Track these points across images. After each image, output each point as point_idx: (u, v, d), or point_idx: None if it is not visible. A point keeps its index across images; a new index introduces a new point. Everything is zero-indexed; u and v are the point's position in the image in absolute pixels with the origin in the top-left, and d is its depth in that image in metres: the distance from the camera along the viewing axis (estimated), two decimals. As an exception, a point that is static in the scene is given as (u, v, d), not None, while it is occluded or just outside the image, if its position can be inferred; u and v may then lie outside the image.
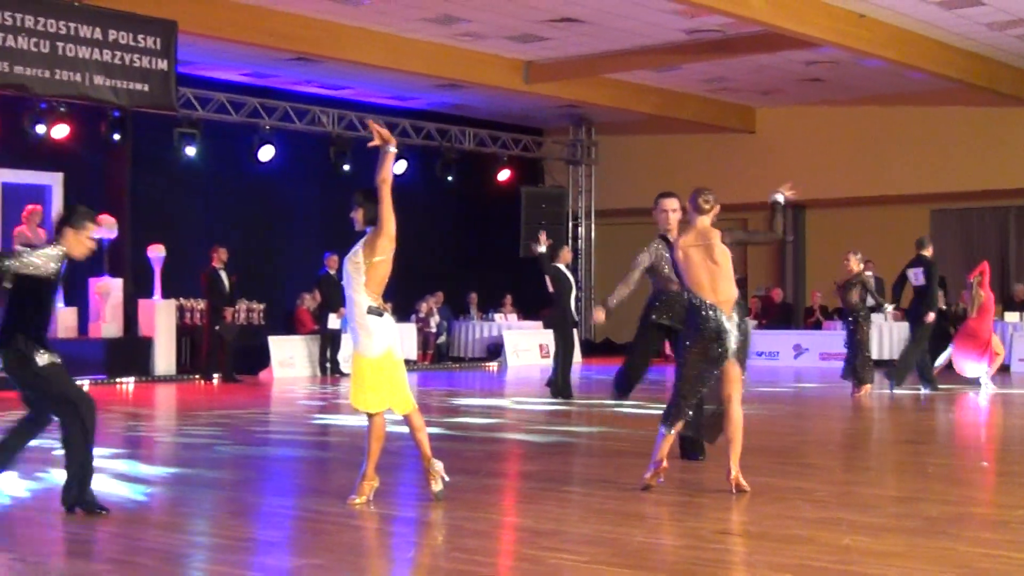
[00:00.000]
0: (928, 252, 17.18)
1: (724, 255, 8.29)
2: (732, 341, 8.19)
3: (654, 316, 9.97)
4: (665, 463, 8.23)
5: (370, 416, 7.85)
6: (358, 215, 7.91)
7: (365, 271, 7.75)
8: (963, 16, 18.96)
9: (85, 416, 7.46)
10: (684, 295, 8.74)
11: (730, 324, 8.18)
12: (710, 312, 8.17)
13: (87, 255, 7.75)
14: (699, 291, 8.26)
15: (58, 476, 8.43)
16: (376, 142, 7.85)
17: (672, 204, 9.56)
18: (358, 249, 7.81)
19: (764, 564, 6.26)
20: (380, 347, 7.78)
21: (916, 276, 17.13)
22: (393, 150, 7.82)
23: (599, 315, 9.94)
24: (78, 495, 7.49)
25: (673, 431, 8.28)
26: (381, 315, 7.77)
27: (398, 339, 7.99)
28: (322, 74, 22.60)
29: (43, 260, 7.45)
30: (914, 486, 9.06)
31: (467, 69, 21.86)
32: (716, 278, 8.23)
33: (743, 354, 8.36)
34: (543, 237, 15.74)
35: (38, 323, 7.51)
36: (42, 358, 7.42)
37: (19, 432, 7.69)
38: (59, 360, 7.50)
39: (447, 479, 8.00)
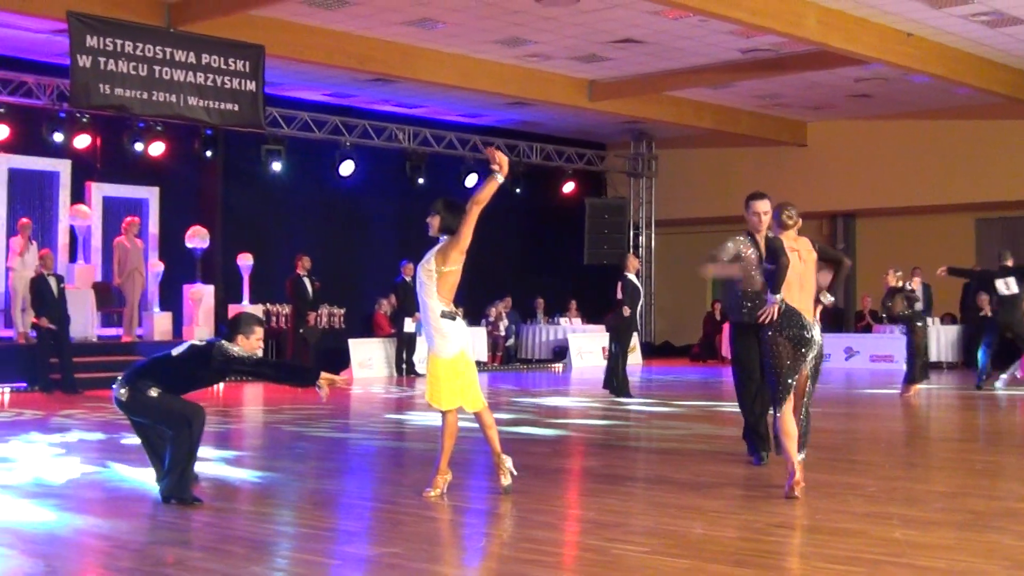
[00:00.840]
0: (1010, 263, 17.21)
1: (812, 263, 8.13)
2: (813, 350, 7.97)
3: (743, 318, 9.38)
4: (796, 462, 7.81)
5: (444, 413, 7.87)
6: (434, 222, 7.91)
7: (437, 279, 7.76)
8: (1007, 34, 18.68)
9: (194, 424, 7.62)
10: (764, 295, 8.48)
11: (814, 333, 7.97)
12: (794, 317, 7.92)
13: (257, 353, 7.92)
14: (788, 296, 7.98)
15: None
16: (493, 166, 7.76)
17: (764, 206, 8.98)
18: (431, 257, 7.82)
19: (817, 556, 6.19)
20: (454, 349, 7.80)
21: (1008, 285, 17.07)
22: (500, 179, 7.74)
23: (707, 270, 9.19)
24: (175, 487, 7.58)
25: (784, 408, 7.90)
26: (454, 319, 7.79)
27: (470, 341, 8.00)
28: (399, 93, 22.71)
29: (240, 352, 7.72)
30: (961, 482, 8.92)
31: (534, 88, 21.87)
32: (803, 285, 8.03)
33: (818, 363, 8.12)
34: (625, 311, 16.27)
35: (173, 386, 7.73)
36: (153, 391, 7.65)
37: (155, 453, 7.91)
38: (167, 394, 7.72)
39: (515, 473, 8.00)
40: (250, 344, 7.76)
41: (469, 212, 7.72)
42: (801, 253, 8.07)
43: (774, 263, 8.04)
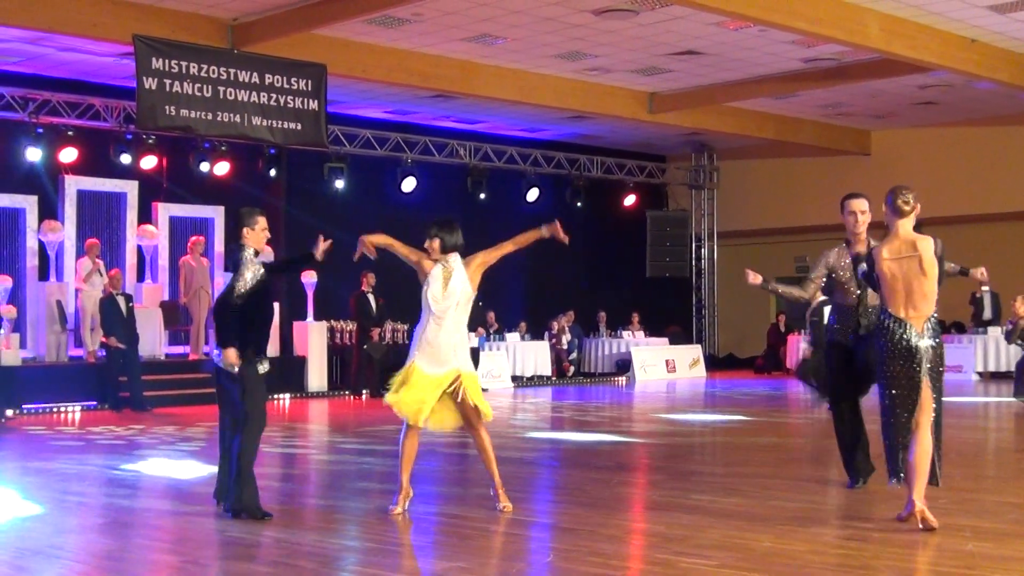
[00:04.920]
0: None
1: (932, 266, 7.10)
2: (925, 361, 7.04)
3: (835, 336, 8.60)
4: (917, 505, 7.00)
5: (481, 429, 7.95)
6: (435, 244, 8.03)
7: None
8: (1074, 38, 18.42)
9: (258, 435, 7.71)
10: (859, 308, 8.17)
11: (922, 342, 7.04)
12: (898, 328, 7.06)
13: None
14: (892, 306, 7.13)
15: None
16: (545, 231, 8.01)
17: (861, 205, 8.30)
18: (468, 285, 7.95)
19: (888, 569, 6.12)
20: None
21: None
22: (545, 234, 7.97)
23: (754, 278, 8.43)
24: (249, 502, 7.63)
25: (903, 478, 7.16)
26: None
27: None
28: (459, 109, 22.80)
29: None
30: (1035, 494, 8.79)
31: (594, 101, 21.86)
32: (914, 292, 7.07)
33: (937, 375, 7.13)
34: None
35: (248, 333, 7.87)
36: (263, 365, 7.80)
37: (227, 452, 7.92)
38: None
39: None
40: (256, 236, 7.91)
41: (502, 247, 7.90)
42: (923, 259, 7.09)
43: (869, 273, 7.29)
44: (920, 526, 6.94)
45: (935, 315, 7.18)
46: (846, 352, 8.49)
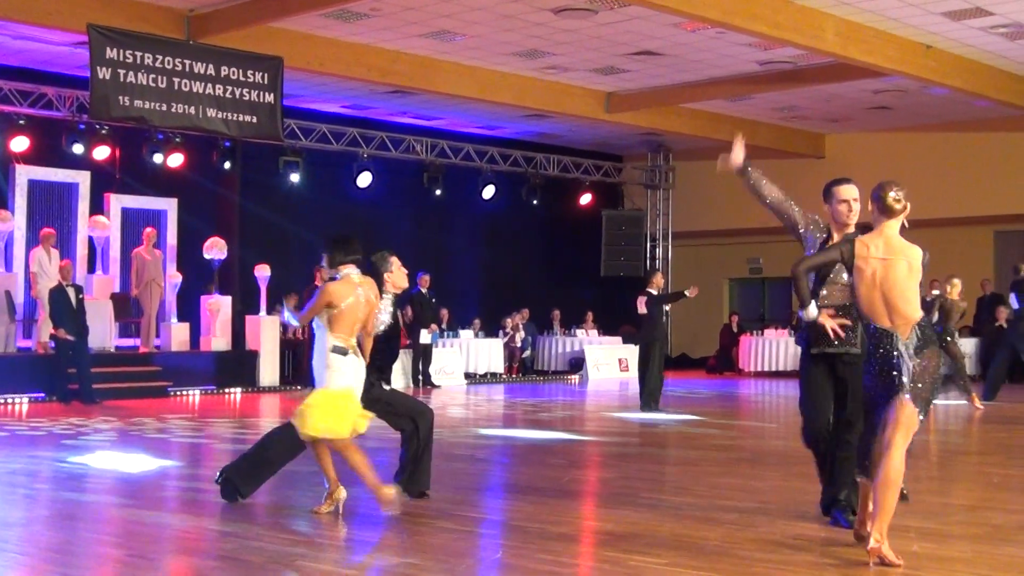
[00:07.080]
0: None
1: (918, 274, 6.33)
2: (905, 371, 6.14)
3: (813, 349, 7.21)
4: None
5: (313, 443, 7.86)
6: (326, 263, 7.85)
7: (330, 317, 7.52)
8: (1026, 46, 18.66)
9: (420, 424, 8.19)
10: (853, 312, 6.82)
11: (906, 350, 6.15)
12: (884, 338, 6.20)
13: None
14: (871, 315, 6.27)
15: (182, 476, 8.56)
16: None
17: (852, 192, 7.23)
18: None
19: (835, 568, 6.17)
20: (340, 383, 7.57)
21: (1013, 299, 17.55)
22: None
23: (726, 163, 7.60)
24: (407, 482, 8.07)
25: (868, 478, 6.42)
26: (345, 354, 7.59)
27: (360, 382, 7.72)
28: (416, 105, 22.77)
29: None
30: (979, 495, 8.90)
31: (552, 100, 21.91)
32: (894, 296, 6.22)
33: (924, 390, 6.20)
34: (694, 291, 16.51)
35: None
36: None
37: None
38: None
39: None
40: (398, 276, 8.13)
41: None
42: (912, 264, 6.35)
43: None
44: (872, 561, 6.10)
45: (923, 321, 6.30)
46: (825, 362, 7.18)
